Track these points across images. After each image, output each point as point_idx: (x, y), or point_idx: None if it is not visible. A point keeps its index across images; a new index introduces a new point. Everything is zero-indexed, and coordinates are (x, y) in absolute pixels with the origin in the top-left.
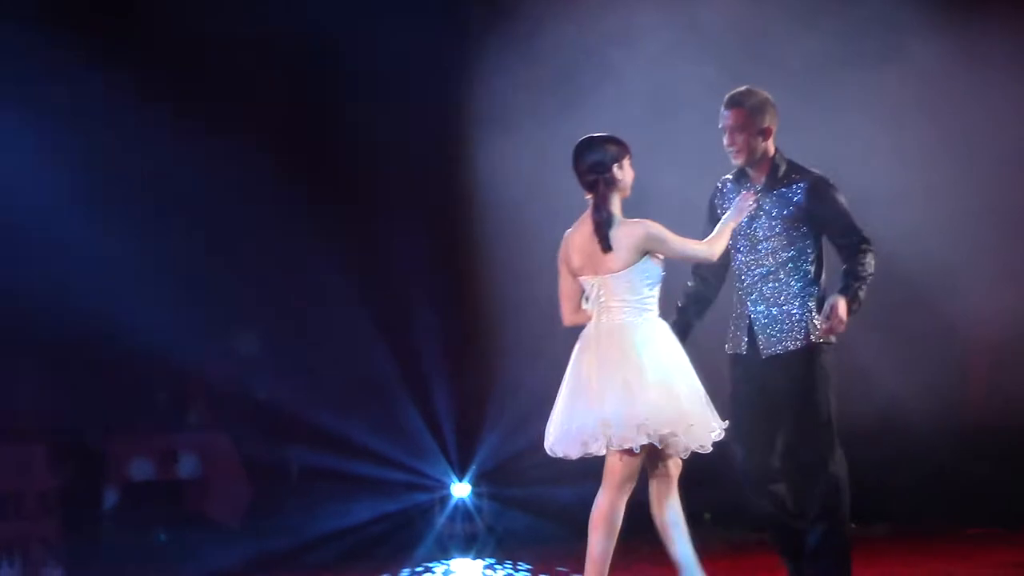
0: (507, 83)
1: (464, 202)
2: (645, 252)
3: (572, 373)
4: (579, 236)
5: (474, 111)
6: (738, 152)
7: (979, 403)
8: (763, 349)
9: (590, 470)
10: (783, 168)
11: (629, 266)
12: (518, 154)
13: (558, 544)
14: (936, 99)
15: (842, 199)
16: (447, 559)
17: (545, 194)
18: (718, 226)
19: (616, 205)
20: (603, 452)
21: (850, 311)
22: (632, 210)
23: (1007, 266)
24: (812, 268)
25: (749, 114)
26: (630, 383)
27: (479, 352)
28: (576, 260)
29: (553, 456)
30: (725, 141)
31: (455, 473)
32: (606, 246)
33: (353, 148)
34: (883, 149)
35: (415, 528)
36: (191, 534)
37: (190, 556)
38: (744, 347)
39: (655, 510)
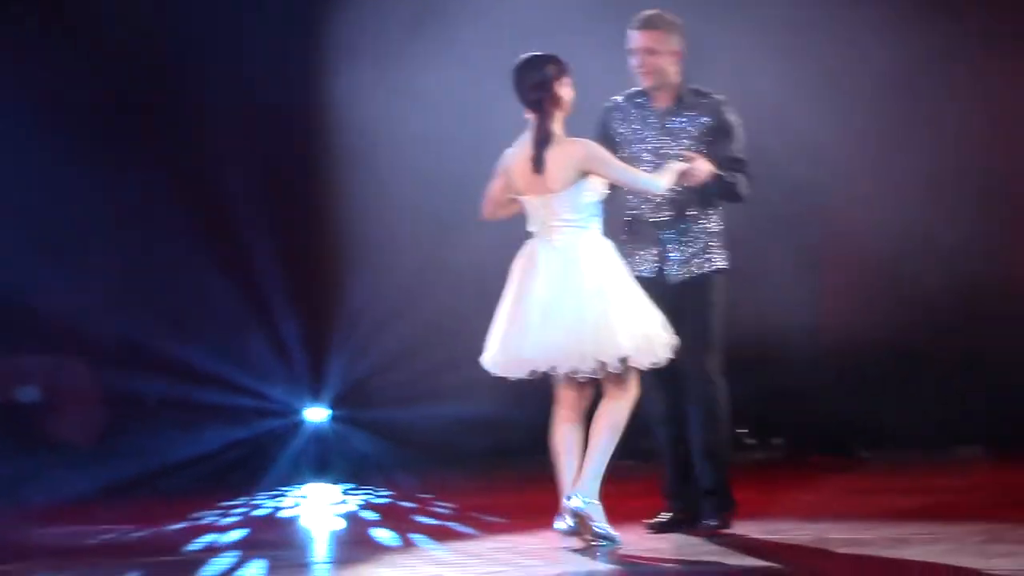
0: (363, 8)
1: (309, 128)
2: (585, 172)
3: (516, 293)
4: (520, 156)
5: (324, 38)
6: (648, 74)
7: (831, 328)
8: (672, 273)
9: (441, 392)
10: (688, 92)
11: (569, 186)
12: (366, 79)
13: (416, 470)
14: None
15: (739, 126)
16: (302, 484)
17: (391, 119)
18: (668, 166)
19: (558, 124)
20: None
21: (709, 184)
22: (497, 135)
23: (873, 188)
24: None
25: (663, 36)
26: (578, 311)
27: (324, 275)
28: (520, 182)
29: (494, 375)
30: (635, 62)
31: (310, 397)
32: (539, 166)
33: (192, 74)
34: (766, 79)
35: (270, 453)
36: (40, 459)
37: (39, 481)
38: (651, 270)
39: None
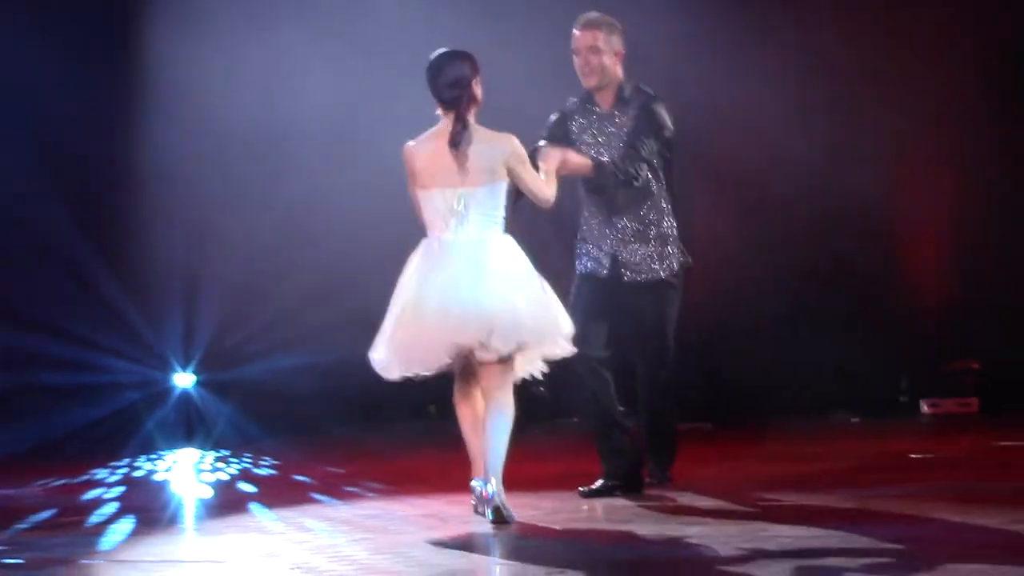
0: None
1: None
2: (508, 167)
3: (416, 290)
4: (430, 151)
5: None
6: (592, 73)
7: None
8: (626, 276)
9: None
10: (628, 90)
11: (497, 180)
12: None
13: (280, 430)
14: None
15: (662, 116)
16: (174, 449)
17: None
18: (543, 174)
19: (473, 120)
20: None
21: (593, 175)
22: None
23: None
24: (667, 196)
25: (606, 36)
26: (506, 298)
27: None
28: (427, 175)
29: (390, 379)
30: (578, 62)
31: (178, 364)
32: (463, 161)
33: None
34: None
35: (141, 420)
36: None
37: None
38: (605, 272)
39: (486, 402)
